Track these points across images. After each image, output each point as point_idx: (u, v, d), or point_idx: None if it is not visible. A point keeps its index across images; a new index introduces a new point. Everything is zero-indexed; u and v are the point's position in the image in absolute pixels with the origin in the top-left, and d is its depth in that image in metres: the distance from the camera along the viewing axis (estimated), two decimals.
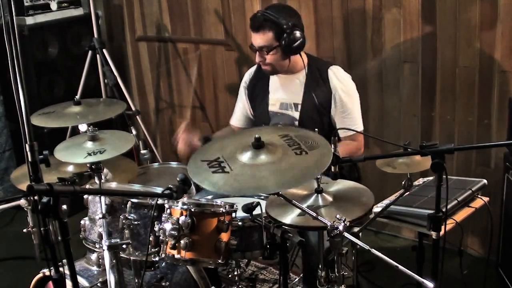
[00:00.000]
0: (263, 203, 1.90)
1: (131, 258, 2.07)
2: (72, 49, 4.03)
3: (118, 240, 2.02)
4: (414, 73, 3.09)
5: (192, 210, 1.85)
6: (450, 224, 2.07)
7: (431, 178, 2.45)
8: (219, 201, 1.94)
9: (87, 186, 2.14)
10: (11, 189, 4.18)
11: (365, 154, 2.03)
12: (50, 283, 2.06)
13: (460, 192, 2.22)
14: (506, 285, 2.65)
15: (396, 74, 3.16)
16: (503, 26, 2.75)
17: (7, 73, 1.69)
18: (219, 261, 1.86)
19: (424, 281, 1.56)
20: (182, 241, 1.83)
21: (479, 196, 2.28)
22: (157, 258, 1.99)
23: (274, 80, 2.76)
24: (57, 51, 3.94)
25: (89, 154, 2.00)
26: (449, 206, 2.05)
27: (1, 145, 4.17)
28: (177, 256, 1.85)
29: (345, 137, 2.64)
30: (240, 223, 2.06)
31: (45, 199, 1.46)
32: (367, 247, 1.64)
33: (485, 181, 2.34)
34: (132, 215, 2.04)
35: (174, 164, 2.76)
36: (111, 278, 2.04)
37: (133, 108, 3.80)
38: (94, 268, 2.26)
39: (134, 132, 3.68)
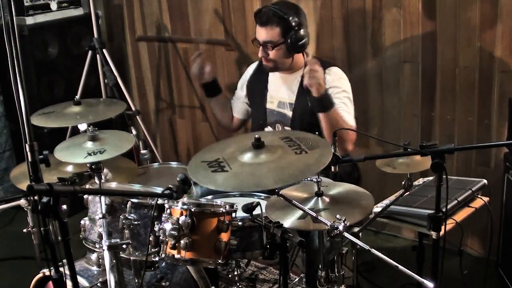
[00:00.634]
0: (263, 203, 1.90)
1: (131, 258, 2.07)
2: (72, 49, 4.03)
3: (118, 240, 2.02)
4: (414, 73, 3.09)
5: (192, 210, 1.85)
6: (450, 224, 2.07)
7: (431, 178, 2.45)
8: (219, 201, 1.94)
9: (87, 186, 2.14)
10: (11, 189, 4.18)
11: (365, 154, 2.02)
12: (50, 283, 2.06)
13: (460, 192, 2.22)
14: (506, 285, 2.65)
15: (396, 74, 3.16)
16: (503, 26, 2.75)
17: (7, 73, 1.69)
18: (219, 261, 1.86)
19: (424, 281, 1.56)
20: (182, 241, 1.83)
21: (479, 196, 2.28)
22: (157, 258, 1.99)
23: (273, 78, 2.76)
24: (57, 51, 3.94)
25: (89, 154, 2.00)
26: (449, 206, 2.05)
27: (1, 145, 4.17)
28: (177, 256, 1.85)
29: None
30: (240, 223, 2.06)
31: (45, 199, 1.46)
32: (367, 247, 1.64)
33: (485, 181, 2.34)
34: (132, 215, 2.04)
35: (174, 164, 2.76)
36: (111, 278, 2.04)
37: (133, 108, 3.80)
38: (94, 268, 2.26)
39: (134, 132, 3.68)
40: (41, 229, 1.63)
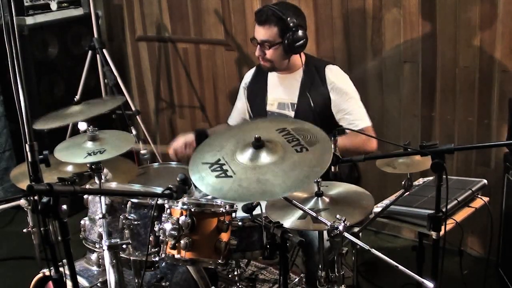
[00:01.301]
0: (263, 203, 1.90)
1: (131, 258, 2.07)
2: (72, 49, 4.03)
3: (118, 240, 2.02)
4: (414, 73, 3.09)
5: (192, 210, 1.85)
6: (450, 224, 2.07)
7: (431, 178, 2.45)
8: (219, 201, 1.94)
9: (87, 186, 2.14)
10: (11, 189, 4.18)
11: (365, 154, 2.02)
12: (50, 283, 2.06)
13: (460, 192, 2.22)
14: (506, 285, 2.65)
15: (396, 74, 3.16)
16: (503, 26, 2.75)
17: (7, 73, 1.69)
18: (219, 261, 1.86)
19: (424, 281, 1.56)
20: (182, 241, 1.82)
21: (479, 196, 2.28)
22: (157, 258, 1.99)
23: (272, 80, 2.76)
24: (57, 51, 3.94)
25: (89, 154, 2.00)
26: (449, 206, 2.05)
27: (1, 145, 4.17)
28: (177, 256, 1.85)
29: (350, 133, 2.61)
30: (240, 223, 2.06)
31: (45, 199, 1.46)
32: (367, 247, 1.64)
33: (485, 181, 2.34)
34: (132, 215, 2.04)
35: (174, 164, 2.77)
36: (111, 278, 2.04)
37: (133, 108, 3.80)
38: (94, 268, 2.26)
39: (134, 132, 3.68)
40: (41, 229, 1.63)
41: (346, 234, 1.67)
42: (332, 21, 3.26)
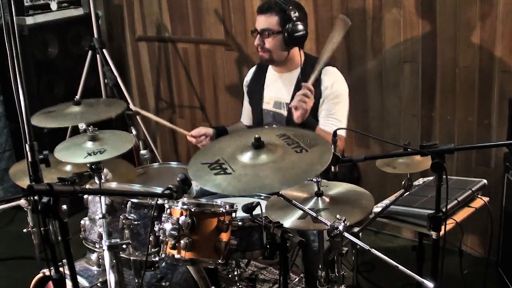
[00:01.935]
0: (263, 203, 1.90)
1: (131, 258, 2.07)
2: (72, 49, 4.03)
3: (118, 240, 2.02)
4: (414, 73, 3.09)
5: (192, 210, 1.85)
6: (450, 224, 2.07)
7: (431, 178, 2.45)
8: (219, 201, 1.94)
9: (87, 186, 2.14)
10: (11, 189, 4.19)
11: (365, 154, 2.02)
12: (50, 283, 2.06)
13: (460, 192, 2.22)
14: (506, 285, 2.65)
15: (396, 74, 3.16)
16: (503, 26, 2.75)
17: (7, 73, 1.69)
18: (219, 261, 1.86)
19: (424, 281, 1.56)
20: (182, 241, 1.83)
21: (479, 196, 2.28)
22: (157, 258, 1.99)
23: (270, 78, 2.76)
24: (57, 51, 3.94)
25: (89, 154, 2.00)
26: (449, 206, 2.05)
27: (1, 145, 4.17)
28: (177, 256, 1.85)
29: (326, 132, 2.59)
30: (240, 223, 2.06)
31: (45, 199, 1.46)
32: (367, 247, 1.64)
33: (485, 181, 2.34)
34: (132, 215, 2.04)
35: (174, 164, 2.77)
36: (111, 278, 2.04)
37: (133, 108, 3.79)
38: (94, 268, 2.26)
39: (134, 132, 3.67)
40: (41, 229, 1.63)
41: (346, 234, 1.67)
42: (332, 21, 3.26)
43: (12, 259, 3.46)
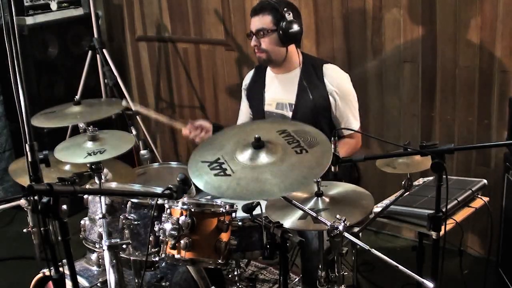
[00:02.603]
0: (263, 203, 1.90)
1: (131, 258, 2.07)
2: (72, 49, 4.03)
3: (118, 240, 2.02)
4: (414, 73, 3.09)
5: (192, 210, 1.85)
6: (450, 224, 2.07)
7: (431, 178, 2.45)
8: (219, 201, 1.94)
9: (87, 186, 2.13)
10: (11, 189, 4.19)
11: (365, 154, 2.02)
12: (50, 283, 2.06)
13: (460, 192, 2.22)
14: (506, 285, 2.65)
15: (396, 74, 3.16)
16: (503, 26, 2.75)
17: (7, 73, 1.69)
18: (219, 261, 1.86)
19: (424, 281, 1.56)
20: (182, 241, 1.82)
21: (479, 196, 2.28)
22: (157, 258, 2.00)
23: (270, 80, 2.76)
24: (57, 51, 3.94)
25: (89, 154, 2.00)
26: (449, 206, 2.05)
27: (1, 145, 4.17)
28: (177, 256, 1.85)
29: (343, 136, 2.63)
30: (240, 223, 2.06)
31: (45, 199, 1.46)
32: (367, 247, 1.64)
33: (485, 181, 2.33)
34: (132, 215, 2.04)
35: (174, 164, 2.76)
36: (111, 278, 2.04)
37: (133, 108, 3.79)
38: (94, 268, 2.26)
39: (134, 132, 3.68)
40: (41, 229, 1.63)
41: (346, 234, 1.67)
42: (332, 21, 3.26)
43: (12, 259, 3.46)
